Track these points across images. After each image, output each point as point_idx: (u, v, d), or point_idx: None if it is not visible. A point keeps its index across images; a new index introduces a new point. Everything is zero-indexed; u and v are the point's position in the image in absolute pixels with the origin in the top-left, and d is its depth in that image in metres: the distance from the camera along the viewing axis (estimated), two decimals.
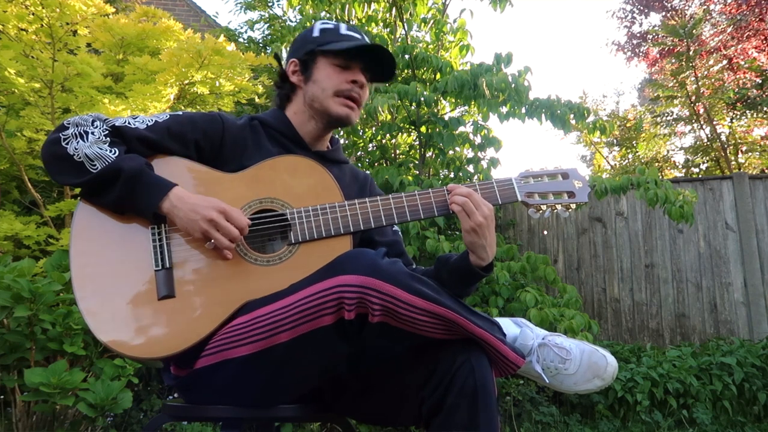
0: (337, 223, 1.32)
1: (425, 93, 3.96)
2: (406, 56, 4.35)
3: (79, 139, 1.26)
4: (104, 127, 1.29)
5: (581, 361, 1.25)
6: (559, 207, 1.39)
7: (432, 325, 1.13)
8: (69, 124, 1.28)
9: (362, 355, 1.21)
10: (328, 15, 4.74)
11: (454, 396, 1.13)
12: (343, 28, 1.46)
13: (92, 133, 1.27)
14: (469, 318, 1.14)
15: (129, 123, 1.31)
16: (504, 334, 1.24)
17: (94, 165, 1.23)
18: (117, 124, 1.30)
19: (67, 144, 1.25)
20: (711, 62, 9.93)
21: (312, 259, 1.25)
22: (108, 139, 1.28)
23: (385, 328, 1.13)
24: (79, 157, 1.24)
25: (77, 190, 2.93)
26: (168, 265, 1.24)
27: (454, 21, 4.71)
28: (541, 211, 1.39)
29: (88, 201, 1.29)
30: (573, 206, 1.40)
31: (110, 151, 1.25)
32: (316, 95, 1.43)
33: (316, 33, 1.46)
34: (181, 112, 1.39)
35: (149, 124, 1.33)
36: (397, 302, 1.10)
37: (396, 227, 1.57)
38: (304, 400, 1.28)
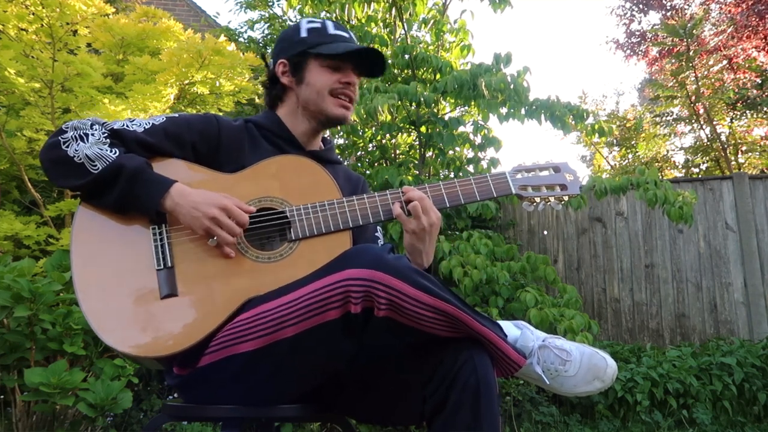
0: (336, 219, 1.33)
1: (425, 93, 3.95)
2: (406, 56, 4.35)
3: (79, 141, 1.27)
4: (103, 129, 1.30)
5: (581, 362, 1.25)
6: (552, 200, 1.43)
7: (436, 321, 1.14)
8: (68, 128, 1.29)
9: (362, 353, 1.21)
10: (327, 15, 4.74)
11: (457, 394, 1.13)
12: (331, 27, 1.46)
13: (92, 134, 1.28)
14: (472, 315, 1.15)
15: (127, 126, 1.33)
16: (505, 335, 1.24)
17: (95, 165, 1.24)
18: (115, 127, 1.32)
19: (67, 147, 1.26)
20: (711, 62, 9.92)
21: (312, 255, 1.26)
22: (108, 140, 1.29)
23: (389, 324, 1.13)
24: (80, 159, 1.25)
25: None
26: (170, 265, 1.25)
27: (455, 21, 4.71)
28: (534, 204, 1.43)
29: (88, 204, 1.30)
30: (566, 198, 1.43)
31: (110, 151, 1.27)
32: (311, 98, 1.45)
33: (303, 33, 1.46)
34: (177, 114, 1.40)
35: (146, 126, 1.34)
36: (403, 297, 1.10)
37: (378, 233, 1.59)
38: (304, 400, 1.28)
